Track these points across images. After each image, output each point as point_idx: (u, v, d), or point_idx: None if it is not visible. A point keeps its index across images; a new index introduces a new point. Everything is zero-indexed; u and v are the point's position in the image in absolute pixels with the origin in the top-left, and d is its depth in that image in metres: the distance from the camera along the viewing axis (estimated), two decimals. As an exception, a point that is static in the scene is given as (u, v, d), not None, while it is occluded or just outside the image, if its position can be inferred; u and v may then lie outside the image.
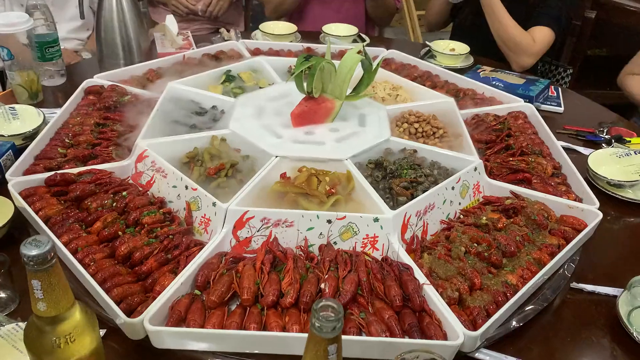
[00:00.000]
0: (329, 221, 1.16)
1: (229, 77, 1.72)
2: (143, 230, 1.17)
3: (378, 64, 1.50)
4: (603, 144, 1.80)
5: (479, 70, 2.12)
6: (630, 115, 2.37)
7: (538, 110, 1.90)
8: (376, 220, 1.17)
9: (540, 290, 1.17)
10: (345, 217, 1.16)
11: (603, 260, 1.33)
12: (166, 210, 1.24)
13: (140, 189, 1.33)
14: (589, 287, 1.23)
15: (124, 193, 1.25)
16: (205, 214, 1.20)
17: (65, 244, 1.13)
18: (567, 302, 1.20)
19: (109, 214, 1.20)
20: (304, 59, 1.41)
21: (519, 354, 1.05)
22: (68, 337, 0.76)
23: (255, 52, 2.04)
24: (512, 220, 1.28)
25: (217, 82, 1.71)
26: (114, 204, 1.24)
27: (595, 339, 1.12)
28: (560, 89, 2.13)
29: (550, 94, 2.08)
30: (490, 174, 1.46)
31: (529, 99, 1.91)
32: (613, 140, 1.80)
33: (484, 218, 1.25)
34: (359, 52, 1.47)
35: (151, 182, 1.32)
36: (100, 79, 1.75)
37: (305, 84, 1.45)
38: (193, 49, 2.11)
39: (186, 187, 1.24)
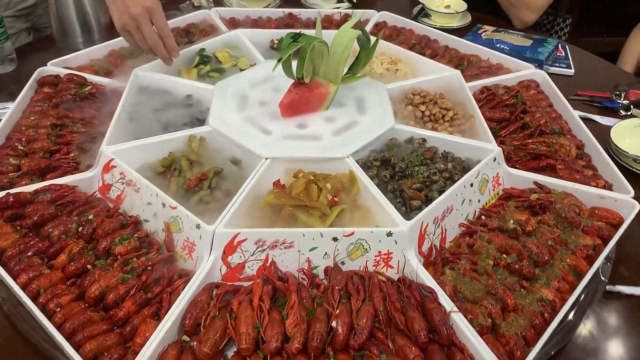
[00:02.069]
0: (335, 239, 1.00)
1: (203, 59, 1.50)
2: (116, 262, 0.99)
3: (377, 40, 1.30)
4: (621, 111, 1.64)
5: (480, 31, 1.91)
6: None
7: (547, 73, 1.73)
8: (390, 234, 1.00)
9: (575, 300, 1.03)
10: (353, 233, 1.00)
11: (637, 252, 1.19)
12: (142, 234, 1.05)
13: (111, 205, 1.14)
14: (628, 290, 1.09)
15: (90, 216, 1.06)
16: (188, 237, 1.02)
17: (24, 286, 0.95)
18: (606, 310, 1.06)
19: (74, 244, 1.02)
20: (292, 40, 1.20)
21: (559, 381, 0.92)
22: None
23: (231, 23, 1.80)
24: (539, 218, 1.13)
25: (190, 65, 1.49)
26: (80, 229, 1.05)
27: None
28: (568, 48, 1.94)
29: (558, 54, 1.89)
30: (509, 159, 1.29)
31: (538, 64, 1.73)
32: (632, 106, 1.64)
33: (511, 221, 1.09)
34: (354, 27, 1.26)
35: (122, 196, 1.13)
36: (55, 67, 1.52)
37: (294, 68, 1.24)
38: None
39: (163, 205, 1.05)
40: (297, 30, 1.22)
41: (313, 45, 1.23)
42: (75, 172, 1.18)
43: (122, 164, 1.12)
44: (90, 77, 1.48)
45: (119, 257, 1.00)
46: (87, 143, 1.26)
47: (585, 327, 1.02)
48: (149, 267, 0.99)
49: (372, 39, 1.33)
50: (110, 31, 1.80)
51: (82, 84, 1.45)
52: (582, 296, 1.03)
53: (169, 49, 1.36)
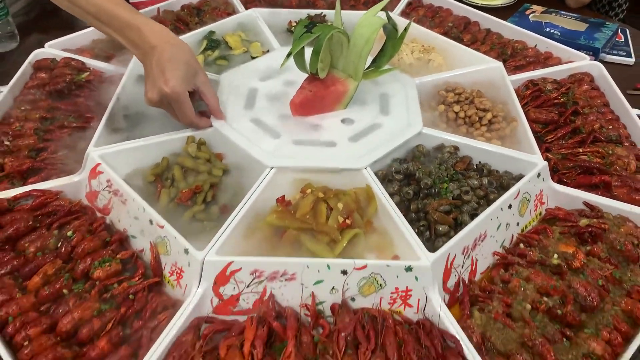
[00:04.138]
0: (344, 272, 0.85)
1: (211, 43, 1.34)
2: (94, 289, 0.87)
3: (405, 30, 1.11)
4: (689, 110, 1.42)
5: (527, 12, 1.69)
6: None
7: (603, 63, 1.51)
8: (409, 269, 0.85)
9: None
10: (366, 266, 0.85)
11: None
12: (126, 255, 0.93)
13: (98, 213, 1.02)
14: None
15: (70, 233, 0.94)
16: (176, 262, 0.89)
17: (-7, 311, 0.84)
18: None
19: (50, 264, 0.90)
20: (305, 30, 1.03)
21: None
22: None
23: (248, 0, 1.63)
24: (589, 248, 0.96)
25: (196, 51, 1.34)
26: (59, 245, 0.93)
27: None
28: (628, 32, 1.71)
29: (616, 39, 1.66)
30: (555, 171, 1.12)
31: (593, 52, 1.51)
32: (702, 105, 1.42)
33: (555, 256, 0.92)
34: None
35: (109, 206, 1.00)
36: (53, 49, 1.39)
37: (307, 62, 1.08)
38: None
39: (150, 222, 0.92)
40: (318, 11, 1.05)
41: (331, 35, 1.07)
42: (61, 175, 1.06)
43: (108, 170, 0.99)
44: (89, 62, 1.35)
45: (97, 282, 0.88)
46: (77, 140, 1.14)
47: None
48: (130, 296, 0.87)
49: (404, 23, 1.14)
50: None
51: (80, 70, 1.32)
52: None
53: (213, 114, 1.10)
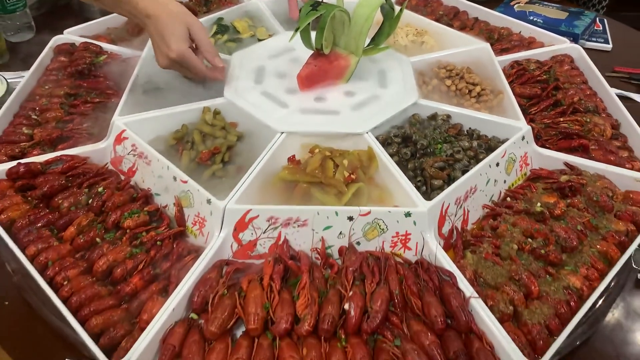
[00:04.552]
0: (351, 218, 0.95)
1: (221, 28, 1.45)
2: (125, 236, 0.96)
3: (402, 10, 1.23)
4: (662, 89, 1.55)
5: (512, 3, 1.82)
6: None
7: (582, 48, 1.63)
8: (408, 215, 0.95)
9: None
10: (370, 212, 0.95)
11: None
12: (152, 208, 1.02)
13: (122, 177, 1.11)
14: (661, 280, 1.03)
15: (100, 189, 1.04)
16: (199, 213, 0.99)
17: (33, 257, 0.93)
18: (637, 300, 1.00)
19: (83, 217, 0.99)
20: (311, 8, 1.14)
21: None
22: None
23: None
24: (569, 201, 1.06)
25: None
26: (90, 202, 1.02)
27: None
28: (606, 21, 1.84)
29: (595, 27, 1.79)
30: (538, 138, 1.22)
31: (573, 37, 1.63)
32: (674, 84, 1.54)
33: (539, 204, 1.03)
34: (378, -5, 1.19)
35: (133, 169, 1.10)
36: (71, 35, 1.49)
37: (313, 38, 1.19)
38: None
39: (174, 179, 1.02)
40: (318, -3, 1.16)
41: (334, 15, 1.17)
42: (88, 143, 1.15)
43: (133, 135, 1.09)
44: (106, 46, 1.45)
45: (127, 230, 0.97)
46: (100, 113, 1.23)
47: (614, 317, 0.97)
48: (158, 242, 0.96)
49: (397, 8, 1.26)
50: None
51: (98, 53, 1.42)
52: (612, 284, 0.98)
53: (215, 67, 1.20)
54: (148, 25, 1.12)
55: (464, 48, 1.40)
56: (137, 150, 1.08)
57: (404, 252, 0.98)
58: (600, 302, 0.94)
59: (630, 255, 1.00)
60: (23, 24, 1.65)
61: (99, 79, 1.34)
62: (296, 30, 1.14)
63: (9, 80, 1.37)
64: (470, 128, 1.17)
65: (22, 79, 1.34)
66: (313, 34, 1.19)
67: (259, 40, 1.42)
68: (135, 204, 1.02)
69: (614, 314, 0.97)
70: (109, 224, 0.99)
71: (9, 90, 1.34)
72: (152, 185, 1.07)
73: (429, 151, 1.09)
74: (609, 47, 1.73)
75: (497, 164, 1.08)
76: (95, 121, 1.22)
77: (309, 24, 1.15)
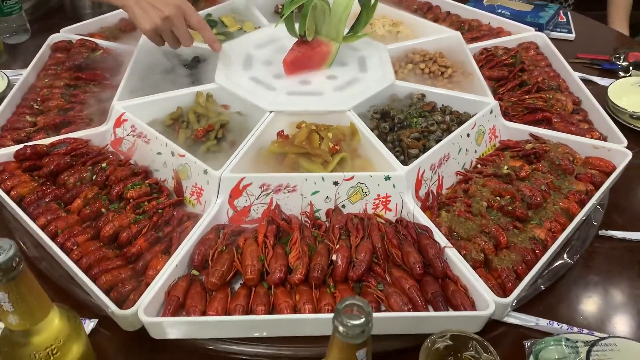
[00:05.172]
0: (336, 183, 1.04)
1: (209, 23, 1.54)
2: (128, 205, 1.04)
3: (376, 1, 1.33)
4: (620, 72, 1.67)
5: (482, -2, 1.94)
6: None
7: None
8: (388, 178, 1.05)
9: (567, 242, 1.07)
10: (353, 177, 1.04)
11: (632, 202, 1.23)
12: (153, 181, 1.11)
13: (122, 157, 1.19)
14: (620, 234, 1.13)
15: (104, 164, 1.12)
16: (196, 183, 1.08)
17: (43, 227, 1.01)
18: (597, 252, 1.10)
19: (89, 190, 1.07)
20: (294, -2, 1.24)
21: (549, 313, 0.97)
22: (50, 351, 0.65)
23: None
24: (534, 166, 1.17)
25: (196, 30, 1.53)
26: (94, 177, 1.11)
27: (633, 288, 1.03)
28: (569, 14, 1.97)
29: (559, 19, 1.92)
30: (506, 114, 1.33)
31: (538, 27, 1.75)
32: (631, 68, 1.67)
33: (505, 167, 1.13)
34: (355, -14, 1.29)
35: (133, 149, 1.18)
36: (67, 34, 1.57)
37: (296, 26, 1.29)
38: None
39: (172, 154, 1.10)
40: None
41: (315, 4, 1.28)
42: (89, 127, 1.24)
43: (132, 117, 1.17)
44: (101, 42, 1.53)
45: (131, 200, 1.06)
46: (99, 101, 1.32)
47: (577, 267, 1.06)
48: (159, 210, 1.05)
49: (374, -1, 1.37)
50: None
51: (94, 49, 1.50)
52: (574, 239, 1.08)
53: (208, 42, 1.30)
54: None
55: (437, 36, 1.51)
56: (137, 130, 1.17)
57: (385, 213, 1.07)
58: (564, 254, 1.05)
59: (590, 212, 1.10)
60: (19, 27, 1.73)
61: (96, 71, 1.42)
62: (281, 16, 1.24)
63: (9, 77, 1.45)
64: (443, 105, 1.28)
65: (22, 74, 1.42)
66: (297, 24, 1.29)
67: (246, 32, 1.51)
68: (137, 177, 1.10)
69: (577, 265, 1.07)
70: (113, 195, 1.07)
71: (10, 86, 1.42)
72: (151, 162, 1.15)
73: (405, 124, 1.19)
74: (572, 36, 1.86)
75: (468, 135, 1.18)
76: (95, 108, 1.30)
77: (292, 12, 1.25)
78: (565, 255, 1.05)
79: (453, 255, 0.96)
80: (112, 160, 1.15)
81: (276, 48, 1.41)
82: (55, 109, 1.29)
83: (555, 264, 1.04)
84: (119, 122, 1.20)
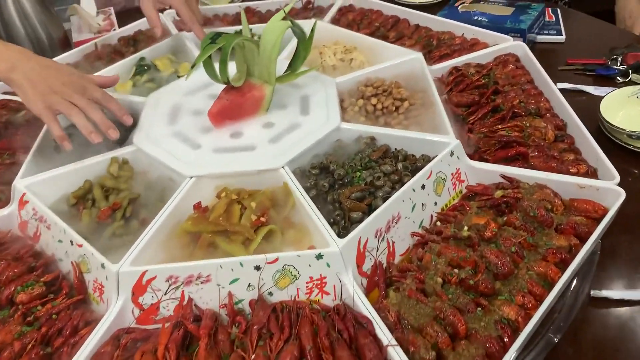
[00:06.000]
0: (258, 267, 0.87)
1: (140, 68, 1.38)
2: (17, 313, 0.89)
3: (312, 33, 1.15)
4: (618, 78, 1.45)
5: (457, 4, 1.73)
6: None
7: (534, 43, 1.55)
8: (320, 257, 0.86)
9: (549, 313, 0.87)
10: (277, 259, 0.86)
11: (632, 243, 1.02)
12: (50, 277, 0.95)
13: (30, 242, 1.04)
14: (616, 294, 0.93)
15: (-6, 262, 0.97)
16: (97, 278, 0.91)
17: None
18: (589, 322, 0.90)
19: (-28, 296, 0.92)
20: (210, 41, 1.07)
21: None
22: None
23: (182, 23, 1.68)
24: (505, 218, 0.97)
25: (127, 76, 1.38)
26: (-16, 276, 0.96)
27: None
28: (559, 11, 1.74)
29: (547, 19, 1.70)
30: (476, 150, 1.13)
31: (520, 34, 1.54)
32: (630, 72, 1.44)
33: (465, 228, 0.94)
34: (284, 19, 1.11)
35: (37, 234, 1.03)
36: (-8, 91, 1.44)
37: (218, 71, 1.11)
38: (115, 29, 1.77)
39: (71, 243, 0.94)
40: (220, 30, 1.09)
41: (243, 44, 1.10)
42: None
43: (33, 198, 1.02)
44: (26, 101, 1.39)
45: (20, 307, 0.90)
46: (11, 175, 1.17)
47: (564, 346, 0.86)
48: (53, 316, 0.89)
49: (331, 28, 1.18)
50: (64, 48, 1.73)
51: (17, 110, 1.36)
52: (558, 309, 0.88)
53: (116, 115, 1.11)
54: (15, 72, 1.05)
55: (395, 61, 1.32)
56: (38, 214, 1.01)
57: (322, 297, 0.89)
58: (548, 331, 0.85)
59: (574, 273, 0.90)
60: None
61: (14, 137, 1.28)
62: (192, 67, 1.06)
63: None
64: (396, 149, 1.09)
65: None
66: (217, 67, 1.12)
67: (179, 77, 1.35)
68: (32, 275, 0.95)
69: (564, 343, 0.87)
70: (2, 300, 0.91)
71: None
72: (55, 250, 1.00)
73: (346, 181, 1.00)
74: (562, 38, 1.64)
75: (423, 186, 0.99)
76: (5, 185, 1.15)
77: (210, 57, 1.07)
78: (546, 332, 0.85)
79: (396, 355, 0.77)
80: (7, 253, 0.99)
81: (209, 94, 1.24)
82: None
83: (533, 346, 0.84)
84: (21, 204, 1.05)
